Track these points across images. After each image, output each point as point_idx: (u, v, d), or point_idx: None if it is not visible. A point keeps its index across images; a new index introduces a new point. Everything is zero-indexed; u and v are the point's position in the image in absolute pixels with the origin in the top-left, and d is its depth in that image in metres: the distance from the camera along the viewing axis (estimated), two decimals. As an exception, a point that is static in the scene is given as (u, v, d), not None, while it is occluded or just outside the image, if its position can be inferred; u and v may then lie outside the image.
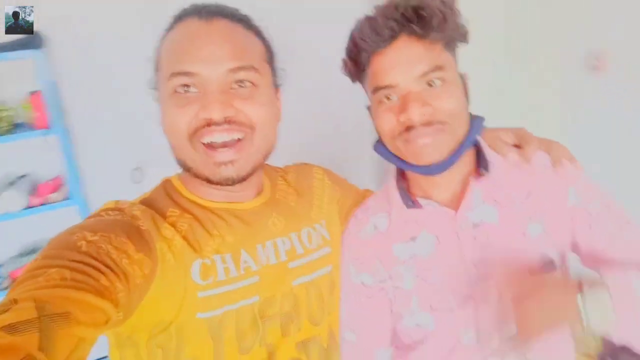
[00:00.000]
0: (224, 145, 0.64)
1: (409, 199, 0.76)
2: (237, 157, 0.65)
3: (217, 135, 0.63)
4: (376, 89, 0.69)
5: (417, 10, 0.65)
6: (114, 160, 2.12)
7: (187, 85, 0.63)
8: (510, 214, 0.73)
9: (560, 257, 0.75)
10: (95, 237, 0.56)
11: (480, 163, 0.75)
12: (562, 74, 2.12)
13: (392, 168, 0.82)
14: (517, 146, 0.78)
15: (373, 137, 0.79)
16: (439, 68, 0.67)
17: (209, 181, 0.66)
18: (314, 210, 0.82)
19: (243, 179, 0.67)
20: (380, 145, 0.77)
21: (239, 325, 0.66)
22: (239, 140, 0.64)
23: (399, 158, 0.74)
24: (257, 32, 0.70)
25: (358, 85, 0.78)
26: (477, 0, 1.81)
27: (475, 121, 0.73)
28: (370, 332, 0.83)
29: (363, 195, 0.92)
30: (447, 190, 0.76)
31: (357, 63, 0.72)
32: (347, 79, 0.78)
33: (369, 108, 0.78)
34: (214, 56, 0.62)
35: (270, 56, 0.72)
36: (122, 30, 2.00)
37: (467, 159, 0.74)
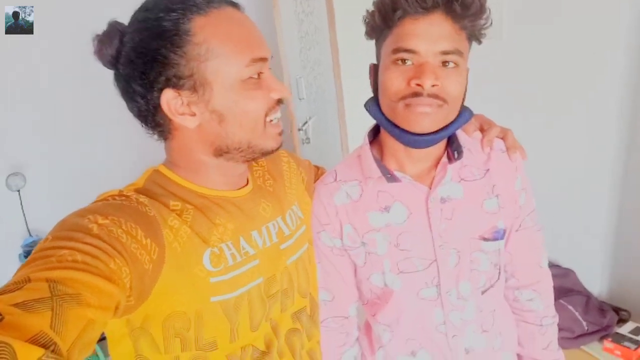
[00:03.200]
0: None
1: (388, 172, 0.82)
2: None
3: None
4: (397, 50, 0.72)
5: None
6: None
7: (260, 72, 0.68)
8: (473, 189, 0.82)
9: (508, 230, 0.86)
10: (106, 221, 0.56)
11: (453, 148, 0.81)
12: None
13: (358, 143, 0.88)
14: (481, 130, 0.87)
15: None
16: (458, 52, 0.71)
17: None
18: (288, 193, 0.86)
19: None
20: (373, 105, 0.80)
21: (250, 305, 0.71)
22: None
23: (388, 121, 0.77)
24: None
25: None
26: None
27: (464, 111, 0.78)
28: (344, 288, 0.91)
29: (319, 172, 0.98)
30: (420, 166, 0.83)
31: (386, 19, 0.73)
32: None
33: (373, 66, 0.81)
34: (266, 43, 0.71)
35: None
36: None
37: (441, 142, 0.81)
